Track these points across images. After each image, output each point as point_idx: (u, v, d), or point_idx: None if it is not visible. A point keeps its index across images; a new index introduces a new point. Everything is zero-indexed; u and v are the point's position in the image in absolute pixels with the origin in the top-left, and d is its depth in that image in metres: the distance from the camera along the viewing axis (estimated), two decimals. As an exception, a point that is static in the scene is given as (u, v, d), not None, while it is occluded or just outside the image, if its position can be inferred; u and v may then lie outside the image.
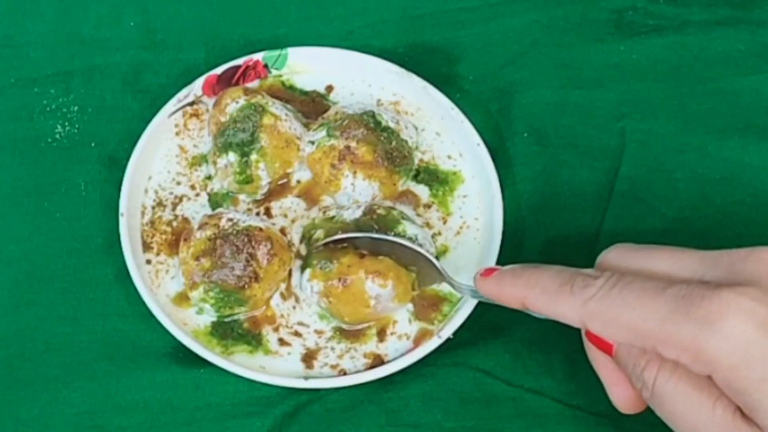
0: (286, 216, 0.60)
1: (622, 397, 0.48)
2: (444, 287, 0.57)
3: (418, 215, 0.60)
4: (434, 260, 0.55)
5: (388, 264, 0.55)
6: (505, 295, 0.49)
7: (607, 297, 0.44)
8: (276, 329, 0.57)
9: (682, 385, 0.43)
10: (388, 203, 0.60)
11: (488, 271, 0.50)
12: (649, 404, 0.45)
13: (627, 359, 0.45)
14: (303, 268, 0.57)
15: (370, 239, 0.56)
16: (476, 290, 0.52)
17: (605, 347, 0.46)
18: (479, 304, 0.55)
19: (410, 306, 0.57)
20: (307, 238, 0.59)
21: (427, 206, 0.61)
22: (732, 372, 0.41)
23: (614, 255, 0.48)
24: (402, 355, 0.56)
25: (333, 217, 0.59)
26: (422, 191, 0.61)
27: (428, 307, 0.57)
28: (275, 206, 0.61)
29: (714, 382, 0.42)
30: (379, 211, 0.58)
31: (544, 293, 0.47)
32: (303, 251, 0.59)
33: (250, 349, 0.57)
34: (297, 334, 0.57)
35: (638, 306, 0.43)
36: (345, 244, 0.56)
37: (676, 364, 0.43)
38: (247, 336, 0.57)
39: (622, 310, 0.44)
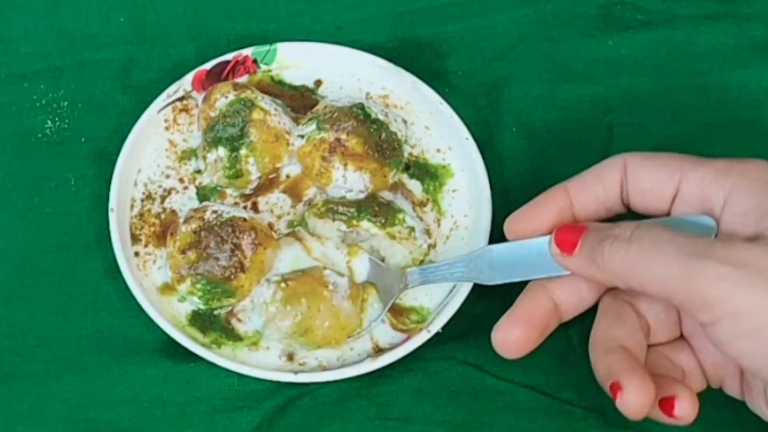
0: (272, 212, 0.61)
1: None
2: (406, 300, 0.57)
3: (418, 216, 0.60)
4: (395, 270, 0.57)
5: None
6: None
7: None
8: None
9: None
10: (389, 196, 0.60)
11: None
12: (617, 264, 0.47)
13: (597, 230, 0.48)
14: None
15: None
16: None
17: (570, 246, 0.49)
18: (468, 297, 0.56)
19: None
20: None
21: (422, 204, 0.61)
22: None
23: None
24: (392, 348, 0.56)
25: (330, 199, 0.59)
26: (415, 186, 0.62)
27: (396, 316, 0.57)
28: (262, 201, 0.61)
29: None
30: (380, 198, 0.58)
31: None
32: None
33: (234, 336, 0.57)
34: None
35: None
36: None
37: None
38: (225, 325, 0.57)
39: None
